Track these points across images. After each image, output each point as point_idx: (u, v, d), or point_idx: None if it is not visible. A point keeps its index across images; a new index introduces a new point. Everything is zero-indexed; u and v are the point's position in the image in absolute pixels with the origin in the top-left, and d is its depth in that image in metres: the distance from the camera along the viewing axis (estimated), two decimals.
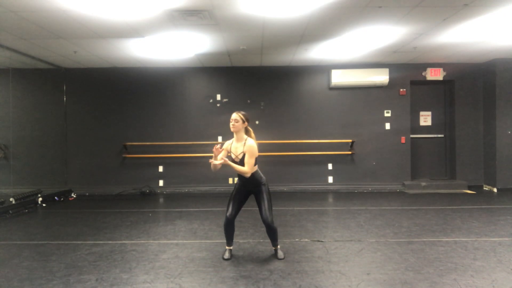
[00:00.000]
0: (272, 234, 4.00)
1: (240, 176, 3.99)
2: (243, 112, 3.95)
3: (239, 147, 3.94)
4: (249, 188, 4.02)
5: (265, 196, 3.95)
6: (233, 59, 7.92)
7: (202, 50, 7.05)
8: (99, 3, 4.66)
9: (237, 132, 3.93)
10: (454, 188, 8.37)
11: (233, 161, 3.92)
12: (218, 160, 3.82)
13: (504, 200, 7.21)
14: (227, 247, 4.11)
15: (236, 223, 5.47)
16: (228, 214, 3.97)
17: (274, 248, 4.12)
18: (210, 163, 3.81)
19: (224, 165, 3.85)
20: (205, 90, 8.64)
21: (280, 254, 4.04)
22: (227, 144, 4.07)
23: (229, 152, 4.01)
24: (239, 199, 4.03)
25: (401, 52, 7.38)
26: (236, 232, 4.98)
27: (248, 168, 3.82)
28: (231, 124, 3.92)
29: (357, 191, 8.42)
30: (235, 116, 3.91)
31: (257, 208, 4.03)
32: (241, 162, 3.87)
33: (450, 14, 5.25)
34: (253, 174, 3.94)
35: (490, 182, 8.42)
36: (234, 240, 4.56)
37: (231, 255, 4.07)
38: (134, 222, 5.75)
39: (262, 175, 4.04)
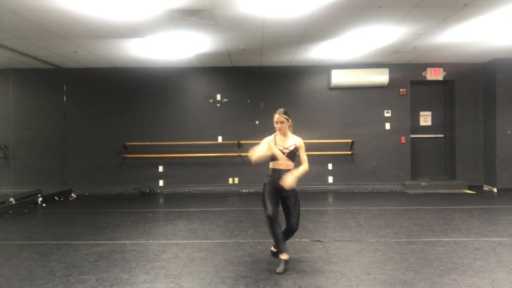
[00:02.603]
0: (289, 237, 3.95)
1: (275, 175, 3.81)
2: (284, 110, 3.87)
3: (288, 140, 3.88)
4: (281, 189, 3.80)
5: (296, 202, 3.82)
6: (233, 59, 7.92)
7: (202, 50, 7.05)
8: (99, 3, 4.65)
9: (284, 132, 3.88)
10: (454, 188, 8.37)
11: (281, 151, 3.79)
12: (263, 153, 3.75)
13: (504, 200, 7.21)
14: (281, 257, 3.67)
15: (236, 223, 5.50)
16: (269, 212, 3.66)
17: (276, 250, 3.93)
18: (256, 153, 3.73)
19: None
20: (205, 90, 8.64)
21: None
22: (268, 139, 3.87)
23: (273, 145, 3.83)
24: (276, 196, 3.77)
25: (401, 52, 7.38)
26: (236, 232, 5.00)
27: (307, 164, 3.83)
28: (276, 126, 3.83)
29: (357, 191, 8.42)
30: (279, 117, 3.81)
31: (260, 209, 4.00)
32: (291, 154, 3.82)
33: (450, 14, 5.25)
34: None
35: (490, 182, 8.42)
36: (235, 240, 4.55)
37: (286, 268, 3.67)
38: (134, 222, 5.75)
39: None
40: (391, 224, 5.39)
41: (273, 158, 3.83)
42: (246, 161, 8.46)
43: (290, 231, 3.85)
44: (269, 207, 3.69)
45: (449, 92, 8.81)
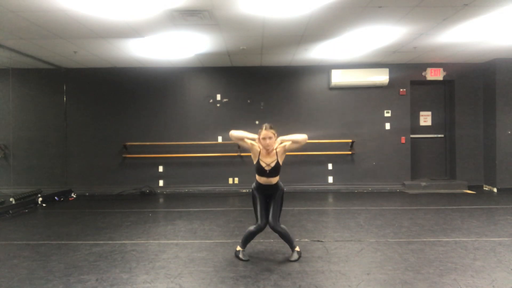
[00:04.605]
0: (283, 237, 3.96)
1: (262, 185, 3.90)
2: (270, 125, 3.78)
3: (271, 157, 3.83)
4: (269, 193, 3.95)
5: (278, 202, 3.91)
6: (233, 59, 7.92)
7: (202, 50, 7.05)
8: (99, 3, 4.66)
9: (271, 148, 3.80)
10: (454, 188, 8.37)
11: (263, 168, 3.81)
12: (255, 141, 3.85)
13: (504, 200, 7.20)
14: (241, 249, 4.00)
15: (236, 223, 5.52)
16: (261, 222, 3.86)
17: (241, 247, 4.05)
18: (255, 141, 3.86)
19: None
20: (205, 90, 8.64)
21: (295, 256, 3.94)
22: (255, 147, 3.85)
23: (258, 154, 3.84)
24: (265, 203, 3.93)
25: (401, 52, 7.38)
26: (236, 232, 5.02)
27: (299, 137, 3.78)
28: (264, 142, 3.71)
29: (357, 191, 8.42)
30: (266, 133, 3.70)
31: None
32: (272, 170, 3.81)
33: (450, 14, 5.25)
34: (278, 182, 3.94)
35: (490, 182, 8.41)
36: (234, 241, 4.59)
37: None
38: (134, 222, 5.75)
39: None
40: (391, 224, 5.40)
41: (258, 172, 3.88)
42: (246, 161, 8.46)
43: (271, 227, 3.89)
44: (261, 218, 3.88)
45: (449, 92, 8.81)
